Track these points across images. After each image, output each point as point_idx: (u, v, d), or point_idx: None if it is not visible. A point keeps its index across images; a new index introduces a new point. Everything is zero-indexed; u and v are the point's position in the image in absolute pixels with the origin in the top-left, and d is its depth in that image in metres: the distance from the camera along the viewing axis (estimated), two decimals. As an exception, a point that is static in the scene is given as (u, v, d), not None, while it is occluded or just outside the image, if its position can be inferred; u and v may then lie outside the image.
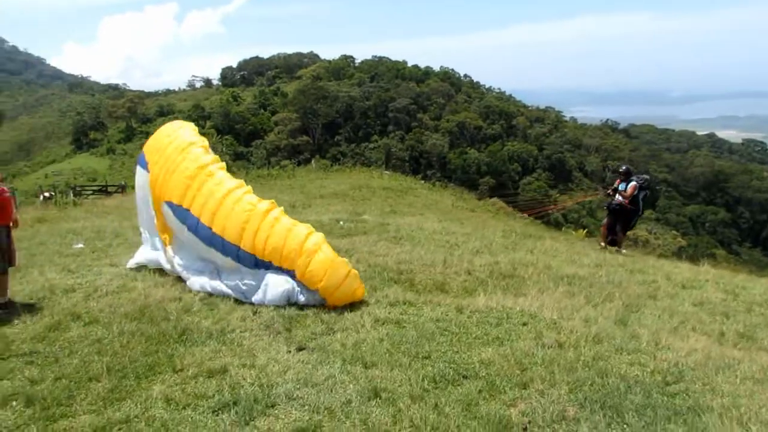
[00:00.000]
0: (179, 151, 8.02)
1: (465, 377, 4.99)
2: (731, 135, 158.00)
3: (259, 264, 7.20)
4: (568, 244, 14.65)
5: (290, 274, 7.02)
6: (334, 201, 26.58)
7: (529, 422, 4.19)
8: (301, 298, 6.98)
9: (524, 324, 6.44)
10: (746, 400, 4.54)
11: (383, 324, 6.38)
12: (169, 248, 8.21)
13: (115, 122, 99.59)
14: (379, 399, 4.54)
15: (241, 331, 6.24)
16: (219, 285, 7.50)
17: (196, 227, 7.59)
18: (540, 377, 4.89)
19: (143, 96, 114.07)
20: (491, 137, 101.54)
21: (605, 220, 15.14)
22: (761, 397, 4.60)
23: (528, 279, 9.19)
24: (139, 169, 8.75)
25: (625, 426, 4.16)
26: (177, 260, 8.11)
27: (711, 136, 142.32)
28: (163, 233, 8.31)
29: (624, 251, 14.14)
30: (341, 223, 14.77)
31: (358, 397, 4.55)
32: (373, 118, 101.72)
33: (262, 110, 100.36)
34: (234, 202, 7.43)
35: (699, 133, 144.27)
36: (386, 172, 51.90)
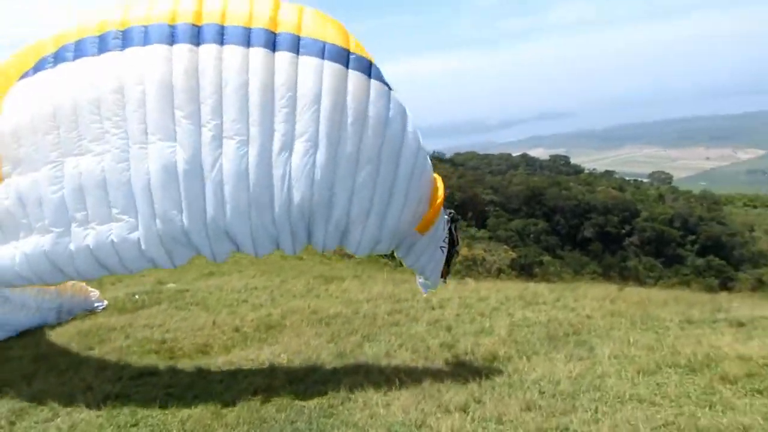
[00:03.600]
0: None
1: None
2: (540, 153, 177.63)
3: None
4: (368, 283, 15.38)
5: None
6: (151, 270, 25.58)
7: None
8: None
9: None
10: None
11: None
12: None
13: None
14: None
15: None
16: None
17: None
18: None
19: None
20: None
21: None
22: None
23: (289, 327, 9.91)
24: None
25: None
26: None
27: (524, 156, 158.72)
28: None
29: (443, 281, 14.94)
30: (136, 296, 14.51)
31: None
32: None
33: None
34: None
35: (514, 154, 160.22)
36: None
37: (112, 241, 6.04)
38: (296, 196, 5.91)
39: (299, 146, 5.86)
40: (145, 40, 5.93)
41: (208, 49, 5.89)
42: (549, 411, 5.10)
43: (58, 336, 9.97)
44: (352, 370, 7.22)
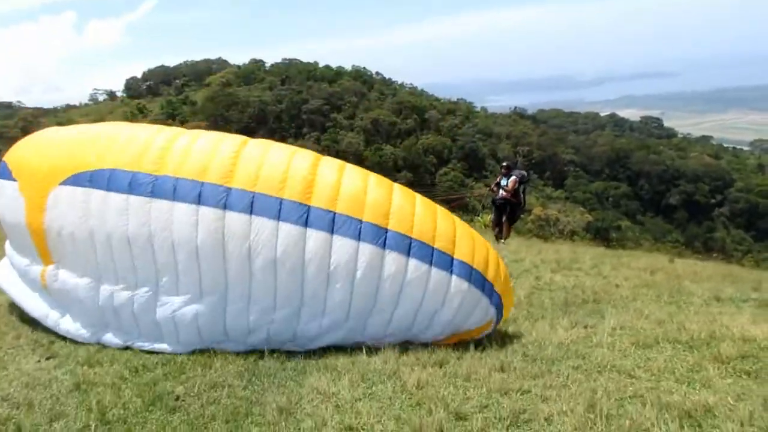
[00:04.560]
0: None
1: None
2: (631, 113, 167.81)
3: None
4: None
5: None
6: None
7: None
8: None
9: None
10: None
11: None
12: (49, 269, 6.67)
13: (8, 144, 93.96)
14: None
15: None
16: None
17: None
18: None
19: (40, 113, 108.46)
20: (406, 132, 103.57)
21: (492, 216, 16.26)
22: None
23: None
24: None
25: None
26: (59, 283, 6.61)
27: (613, 116, 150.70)
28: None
29: (503, 242, 15.03)
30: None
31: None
32: (287, 121, 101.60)
33: (171, 120, 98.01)
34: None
35: (602, 114, 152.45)
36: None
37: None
38: None
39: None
40: (174, 195, 5.90)
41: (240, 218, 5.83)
42: (520, 373, 5.19)
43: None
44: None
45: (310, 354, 6.08)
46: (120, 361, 6.14)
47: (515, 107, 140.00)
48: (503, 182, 15.08)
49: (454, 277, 5.91)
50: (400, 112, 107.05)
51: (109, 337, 6.54)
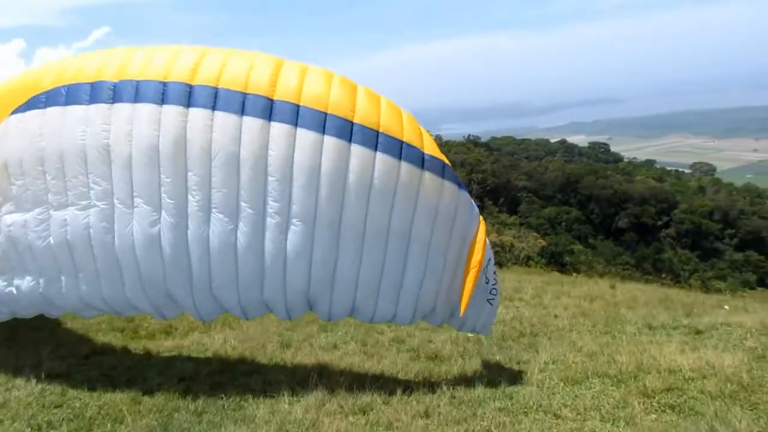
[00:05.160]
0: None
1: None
2: (580, 139, 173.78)
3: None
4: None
5: None
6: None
7: None
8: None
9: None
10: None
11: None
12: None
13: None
14: None
15: None
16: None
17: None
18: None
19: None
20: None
21: None
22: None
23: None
24: None
25: None
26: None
27: (563, 142, 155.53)
28: None
29: None
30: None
31: None
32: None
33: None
34: None
35: (552, 140, 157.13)
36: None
37: (102, 294, 6.08)
38: (291, 276, 5.75)
39: (295, 227, 5.64)
40: (136, 97, 5.74)
41: (203, 115, 5.66)
42: (444, 419, 5.03)
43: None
44: (289, 361, 7.27)
45: (228, 405, 5.76)
46: (23, 418, 5.68)
47: (469, 135, 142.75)
48: None
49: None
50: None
51: (68, 283, 6.11)
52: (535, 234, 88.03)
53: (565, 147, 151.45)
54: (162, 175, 5.65)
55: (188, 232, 5.72)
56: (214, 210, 5.66)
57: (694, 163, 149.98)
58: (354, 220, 5.70)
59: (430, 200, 5.92)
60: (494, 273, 6.74)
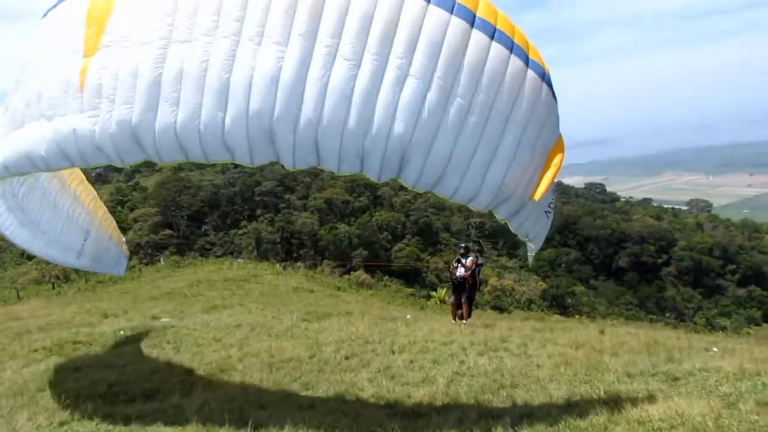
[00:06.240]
0: None
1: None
2: (577, 180, 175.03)
3: None
4: (353, 322, 15.22)
5: None
6: (162, 301, 26.36)
7: None
8: None
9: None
10: None
11: None
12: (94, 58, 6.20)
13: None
14: None
15: None
16: None
17: None
18: None
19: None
20: (359, 209, 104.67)
21: (451, 299, 16.64)
22: None
23: (241, 371, 10.08)
24: None
25: None
26: None
27: (559, 184, 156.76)
28: None
29: (464, 323, 14.99)
30: (122, 332, 14.95)
31: None
32: (240, 203, 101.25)
33: (120, 207, 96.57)
34: None
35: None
36: (239, 260, 51.94)
37: (198, 126, 6.00)
38: (397, 128, 5.93)
39: (411, 82, 5.91)
40: None
41: None
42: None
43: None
44: (262, 425, 7.24)
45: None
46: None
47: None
48: (463, 260, 15.76)
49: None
50: (353, 190, 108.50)
51: (165, 112, 6.01)
52: (536, 277, 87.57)
53: (563, 188, 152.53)
54: (296, 22, 5.90)
55: (309, 71, 5.90)
56: (339, 57, 5.90)
57: (691, 199, 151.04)
58: (464, 98, 6.06)
59: (532, 95, 6.35)
60: (554, 188, 7.14)
